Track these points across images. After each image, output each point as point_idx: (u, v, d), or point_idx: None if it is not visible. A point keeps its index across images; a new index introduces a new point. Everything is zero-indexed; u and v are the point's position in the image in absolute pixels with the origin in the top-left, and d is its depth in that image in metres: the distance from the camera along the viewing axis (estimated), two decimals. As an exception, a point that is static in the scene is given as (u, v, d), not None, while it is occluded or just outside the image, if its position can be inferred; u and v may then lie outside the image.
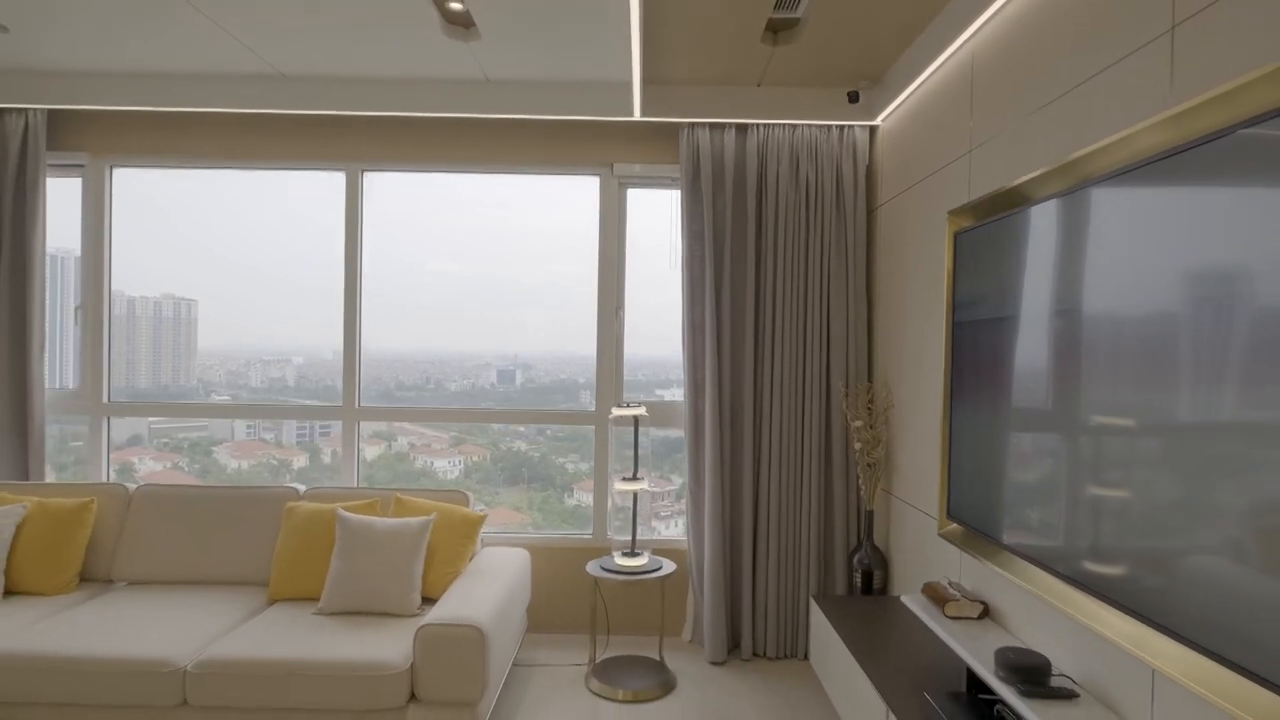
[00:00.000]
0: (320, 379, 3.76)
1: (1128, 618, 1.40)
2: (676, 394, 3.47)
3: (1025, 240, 1.81)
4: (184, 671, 2.25)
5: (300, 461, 3.84)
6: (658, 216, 3.48)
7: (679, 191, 3.27)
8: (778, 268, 3.16)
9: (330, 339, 3.51)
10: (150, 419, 3.65)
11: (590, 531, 3.45)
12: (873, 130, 3.25)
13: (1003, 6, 2.13)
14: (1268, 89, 1.09)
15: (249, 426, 3.95)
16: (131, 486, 3.04)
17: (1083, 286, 1.57)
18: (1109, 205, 1.49)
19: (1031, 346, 1.77)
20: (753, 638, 3.16)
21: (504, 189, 3.52)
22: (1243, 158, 1.15)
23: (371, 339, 3.49)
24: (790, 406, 3.15)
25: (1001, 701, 1.72)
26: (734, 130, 3.18)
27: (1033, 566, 1.75)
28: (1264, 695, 1.09)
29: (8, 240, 3.13)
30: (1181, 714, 1.37)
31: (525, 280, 3.57)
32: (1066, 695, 1.61)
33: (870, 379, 3.22)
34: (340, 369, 3.45)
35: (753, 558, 3.17)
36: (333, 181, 3.43)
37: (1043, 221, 1.73)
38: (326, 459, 3.80)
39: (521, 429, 3.89)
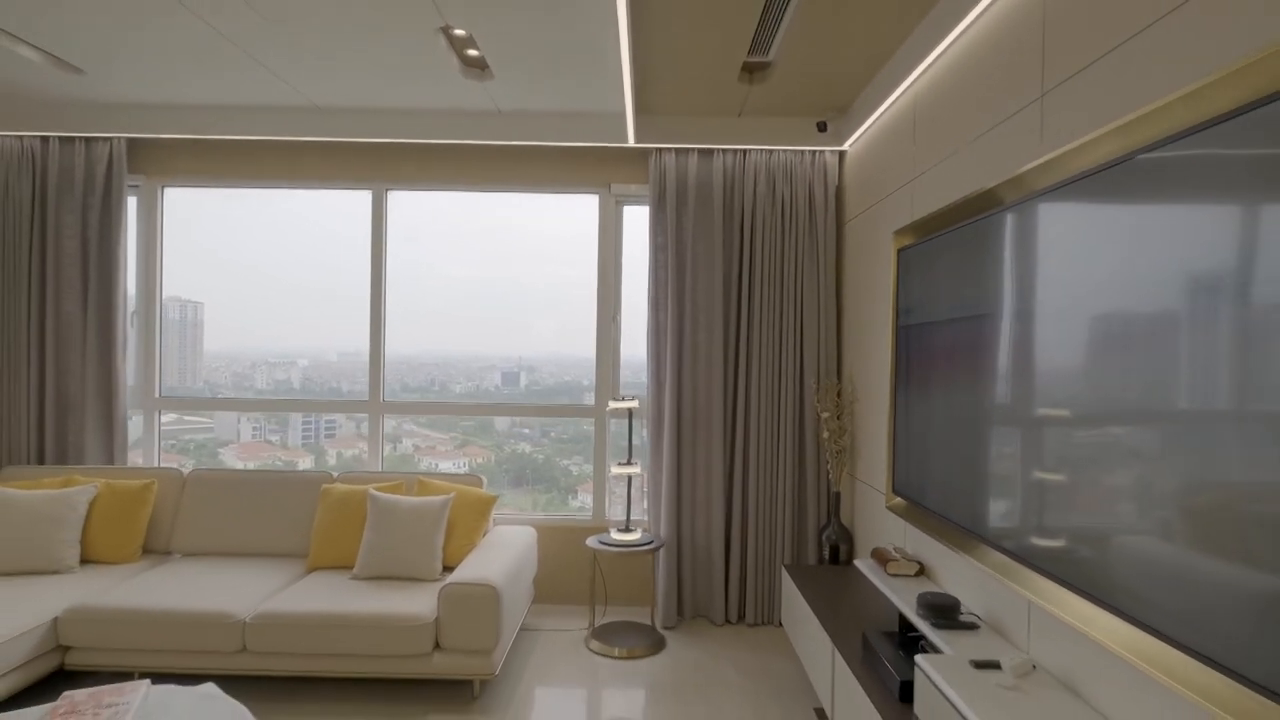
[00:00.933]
0: (324, 380, 4.12)
1: (1010, 560, 1.79)
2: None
3: (942, 258, 2.20)
4: (244, 623, 2.65)
5: (305, 463, 4.16)
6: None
7: (648, 208, 3.67)
8: (757, 276, 3.56)
9: (334, 342, 3.91)
10: (166, 418, 3.96)
11: (590, 512, 3.84)
12: (841, 155, 3.64)
13: (935, 61, 2.52)
14: (1108, 143, 1.47)
15: (255, 428, 4.32)
16: (185, 471, 3.45)
17: (979, 298, 1.96)
18: (1000, 232, 1.88)
19: (947, 346, 2.16)
20: (739, 605, 3.55)
21: (513, 204, 3.92)
22: (1086, 196, 1.54)
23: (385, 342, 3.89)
24: (768, 400, 3.54)
25: (924, 636, 2.10)
26: (697, 154, 3.58)
27: (951, 528, 2.13)
28: (1083, 605, 1.48)
29: (95, 253, 3.55)
30: (1045, 630, 1.76)
31: (530, 285, 3.97)
32: (970, 626, 2.00)
33: (839, 376, 3.61)
34: (344, 371, 3.87)
35: (725, 535, 3.57)
36: (356, 198, 3.84)
37: (954, 242, 2.12)
38: (332, 460, 4.15)
39: (526, 430, 4.27)
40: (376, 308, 3.83)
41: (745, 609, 3.56)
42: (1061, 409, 1.58)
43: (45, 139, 3.58)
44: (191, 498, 3.36)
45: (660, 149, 3.60)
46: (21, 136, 3.57)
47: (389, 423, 3.94)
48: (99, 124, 3.53)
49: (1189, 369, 1.22)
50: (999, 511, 1.85)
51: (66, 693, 1.98)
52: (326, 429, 4.34)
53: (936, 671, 1.72)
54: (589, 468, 3.94)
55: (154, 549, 3.34)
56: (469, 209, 3.94)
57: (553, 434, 4.28)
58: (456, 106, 3.46)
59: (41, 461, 3.57)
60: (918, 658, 1.81)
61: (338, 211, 3.87)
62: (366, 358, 3.84)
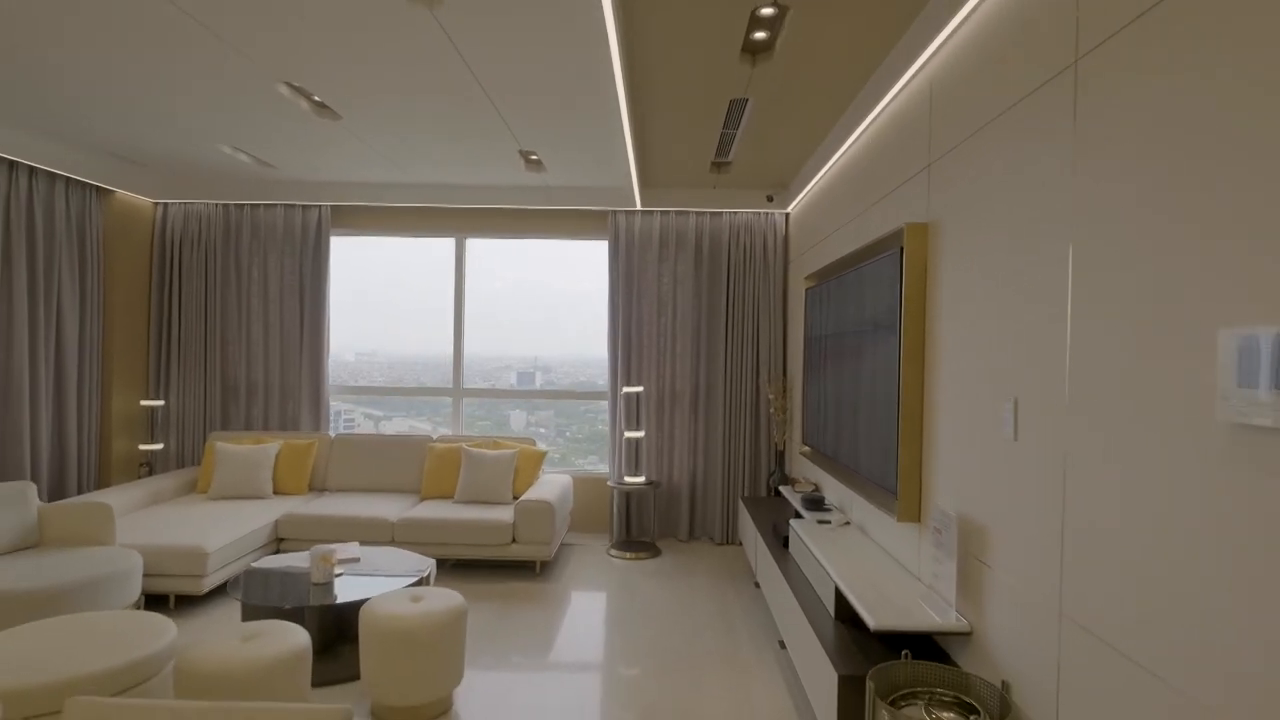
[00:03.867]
0: (409, 375, 5.69)
1: (836, 466, 3.29)
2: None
3: (817, 298, 3.72)
4: (393, 524, 4.22)
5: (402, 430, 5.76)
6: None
7: (606, 256, 5.21)
8: (728, 301, 5.08)
9: (417, 346, 5.48)
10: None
11: (609, 470, 5.39)
12: (787, 215, 5.16)
13: (836, 160, 4.03)
14: (878, 241, 2.97)
15: (366, 415, 5.92)
16: (333, 436, 5.03)
17: (819, 323, 3.47)
18: (823, 291, 3.39)
19: (813, 351, 3.68)
20: (716, 528, 5.07)
21: (550, 246, 5.47)
22: (850, 280, 3.06)
23: (418, 343, 5.45)
24: (735, 386, 5.06)
25: (801, 515, 3.60)
26: (683, 214, 5.12)
27: (826, 460, 3.64)
28: (840, 482, 3.00)
29: (309, 287, 5.17)
30: (856, 505, 3.26)
31: (559, 302, 5.51)
32: (827, 509, 3.51)
33: (784, 371, 5.12)
34: (425, 368, 5.42)
35: (703, 479, 5.11)
36: (443, 243, 5.41)
37: (819, 290, 3.64)
38: (427, 429, 5.74)
39: (543, 429, 5.78)
40: (458, 321, 5.40)
41: (716, 531, 5.09)
42: (831, 386, 3.10)
43: (255, 205, 5.19)
44: (339, 452, 4.95)
45: (615, 210, 5.14)
46: (224, 204, 5.18)
47: (466, 406, 5.52)
48: (314, 195, 5.13)
49: (833, 367, 2.73)
50: (832, 441, 3.37)
51: (316, 546, 3.54)
52: (420, 408, 5.92)
53: (798, 527, 3.24)
54: (603, 467, 5.45)
55: (315, 487, 4.93)
56: (519, 251, 5.49)
57: (568, 434, 5.78)
58: (516, 184, 5.01)
59: (266, 429, 5.19)
60: (791, 521, 3.33)
61: (429, 253, 5.45)
62: (436, 357, 5.41)
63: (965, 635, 2.11)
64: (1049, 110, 1.72)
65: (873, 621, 2.10)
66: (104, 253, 4.88)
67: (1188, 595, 1.24)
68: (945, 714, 1.82)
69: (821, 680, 2.29)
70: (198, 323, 5.23)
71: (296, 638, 2.37)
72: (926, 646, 2.33)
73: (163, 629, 2.44)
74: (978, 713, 1.81)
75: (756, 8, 2.47)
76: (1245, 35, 1.15)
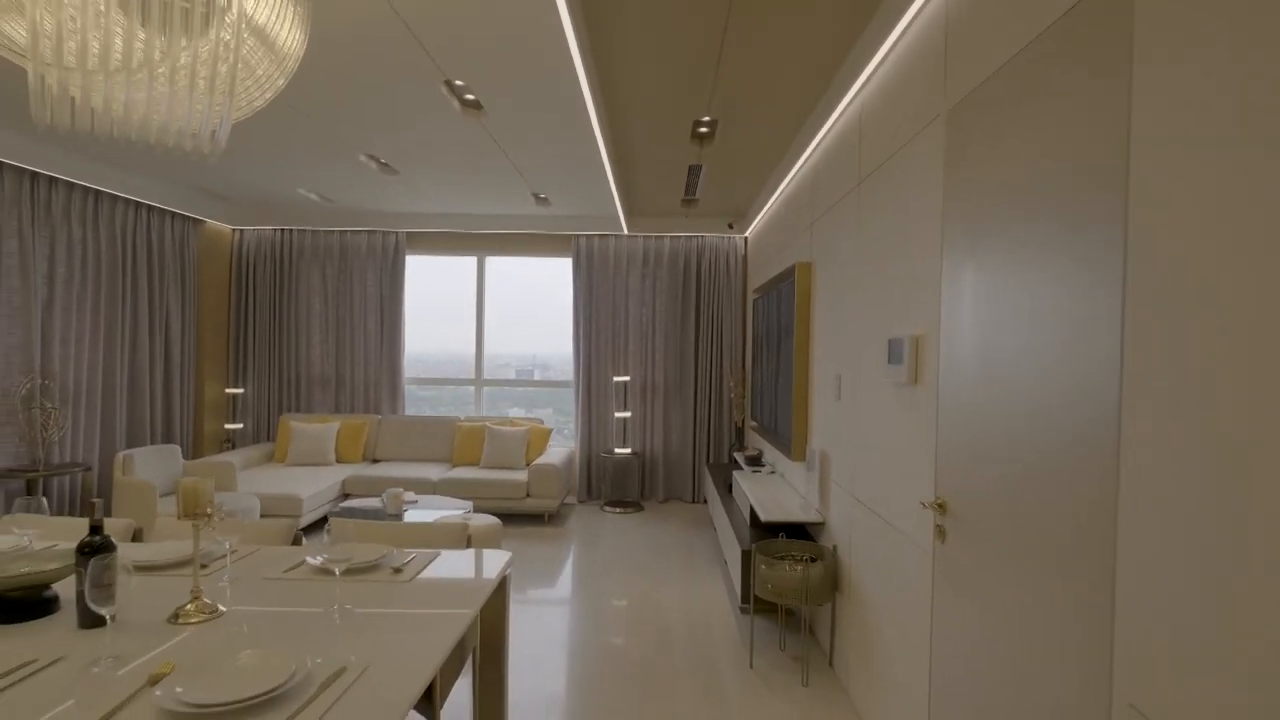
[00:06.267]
0: (434, 369, 6.92)
1: (768, 434, 4.52)
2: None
3: (756, 309, 4.95)
4: (434, 482, 5.45)
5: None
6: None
7: (571, 273, 6.43)
8: (698, 308, 6.31)
9: (439, 344, 6.70)
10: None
11: (575, 441, 6.62)
12: (745, 238, 6.39)
13: (778, 195, 5.26)
14: (786, 270, 4.19)
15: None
16: (378, 418, 6.25)
17: (760, 326, 4.70)
18: (762, 302, 4.61)
19: (758, 348, 4.91)
20: (686, 490, 6.31)
21: (551, 262, 6.70)
22: (773, 296, 4.29)
23: (428, 342, 6.67)
24: (705, 377, 6.29)
25: (743, 469, 4.82)
26: (662, 238, 6.34)
27: (766, 431, 4.86)
28: (767, 442, 4.23)
29: (388, 305, 6.39)
30: (781, 461, 4.49)
31: (555, 300, 6.73)
32: (762, 464, 4.74)
33: (743, 364, 6.36)
34: (448, 363, 6.65)
35: (677, 451, 6.34)
36: (466, 261, 6.63)
37: (759, 301, 4.86)
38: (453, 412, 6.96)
39: (539, 413, 7.01)
40: (480, 324, 6.63)
41: (687, 493, 6.32)
42: (766, 374, 4.33)
43: (315, 230, 6.41)
44: (386, 429, 6.17)
45: (578, 235, 6.37)
46: (286, 229, 6.40)
47: (466, 391, 6.74)
48: (389, 224, 6.35)
49: (767, 361, 3.96)
50: (767, 415, 4.59)
51: (387, 489, 4.75)
52: (448, 395, 7.15)
53: (739, 476, 4.46)
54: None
55: (367, 457, 6.15)
56: (523, 266, 6.73)
57: (565, 432, 7.03)
58: (527, 213, 6.23)
59: (351, 411, 6.41)
60: (734, 473, 4.57)
61: (452, 269, 6.67)
62: (453, 355, 6.63)
63: (820, 524, 3.35)
64: (852, 205, 2.95)
65: (764, 516, 3.33)
66: (197, 270, 6.10)
67: (883, 466, 2.46)
68: (798, 564, 3.05)
69: (735, 555, 3.53)
70: (267, 326, 6.45)
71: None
72: (802, 533, 3.56)
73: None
74: (816, 561, 3.04)
75: (697, 118, 3.70)
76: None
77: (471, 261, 6.67)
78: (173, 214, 5.75)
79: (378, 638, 1.59)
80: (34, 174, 4.51)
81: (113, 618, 1.50)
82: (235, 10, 1.55)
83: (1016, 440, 1.56)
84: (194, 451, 6.09)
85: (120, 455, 4.36)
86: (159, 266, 5.62)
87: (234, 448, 6.39)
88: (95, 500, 1.63)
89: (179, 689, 1.25)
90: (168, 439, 5.73)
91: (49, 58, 1.44)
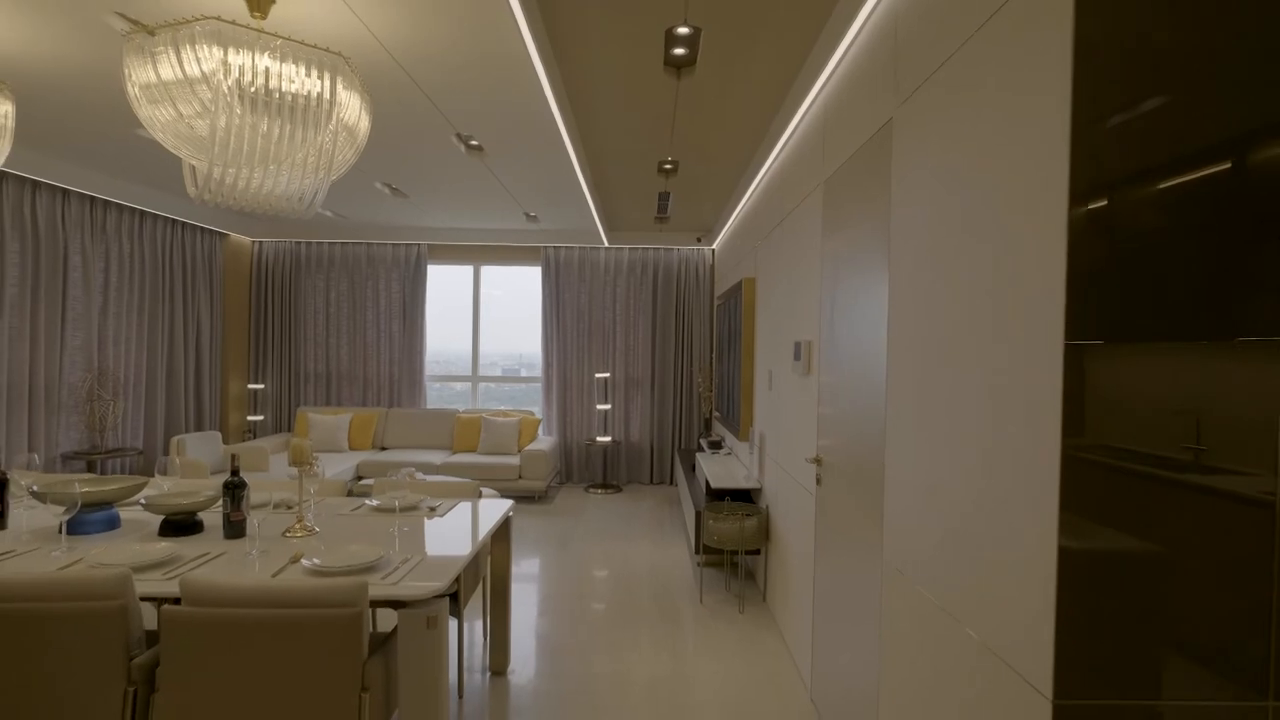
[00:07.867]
0: (434, 366, 7.67)
1: (726, 420, 5.32)
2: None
3: (719, 314, 5.75)
4: (438, 465, 6.21)
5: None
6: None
7: (540, 281, 7.23)
8: (669, 312, 7.11)
9: (440, 343, 7.46)
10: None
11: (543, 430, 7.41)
12: (713, 250, 7.20)
13: (741, 209, 6.07)
14: (736, 284, 5.00)
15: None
16: (386, 410, 7.00)
17: (721, 329, 5.50)
18: (722, 309, 5.42)
19: (720, 349, 5.71)
20: (660, 474, 7.12)
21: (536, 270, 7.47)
22: (729, 304, 5.10)
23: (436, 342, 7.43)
24: (678, 375, 7.10)
25: (705, 451, 5.61)
26: (637, 250, 7.14)
27: (728, 419, 5.66)
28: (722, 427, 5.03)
29: (410, 311, 7.12)
30: (735, 444, 5.30)
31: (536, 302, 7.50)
32: (721, 447, 5.55)
33: (711, 362, 7.17)
34: (448, 361, 7.40)
35: (649, 439, 7.15)
36: (463, 270, 7.38)
37: (720, 308, 5.66)
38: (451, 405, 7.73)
39: (527, 406, 7.79)
40: (475, 327, 7.39)
41: (665, 476, 7.13)
42: (726, 372, 5.13)
43: (329, 242, 7.14)
44: (392, 420, 6.92)
45: (547, 247, 7.16)
46: (301, 241, 7.12)
47: (459, 386, 7.51)
48: (413, 236, 7.08)
49: (728, 359, 4.76)
50: (726, 405, 5.40)
51: (404, 468, 5.52)
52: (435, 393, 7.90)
53: (700, 458, 5.27)
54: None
55: (376, 445, 6.90)
56: (512, 275, 7.50)
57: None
58: (517, 228, 6.99)
59: (365, 405, 7.13)
60: (697, 455, 5.37)
61: (453, 278, 7.43)
62: (447, 354, 7.40)
63: (759, 489, 4.16)
64: (778, 237, 3.75)
65: (714, 484, 4.14)
66: (223, 278, 6.81)
67: (792, 437, 3.27)
68: (738, 519, 3.85)
69: (691, 516, 4.34)
70: (282, 328, 7.17)
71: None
72: (746, 497, 4.38)
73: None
74: (752, 517, 3.85)
75: (661, 160, 4.50)
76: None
77: (469, 270, 7.43)
78: (202, 229, 6.46)
79: (426, 545, 2.37)
80: (92, 198, 5.22)
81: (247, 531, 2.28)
82: (335, 119, 2.32)
83: (849, 409, 2.37)
84: (223, 439, 6.80)
85: (175, 440, 5.09)
86: (190, 275, 6.33)
87: (255, 437, 7.11)
88: (235, 453, 2.40)
89: (316, 560, 2.03)
90: (199, 429, 6.44)
91: (215, 155, 2.20)
